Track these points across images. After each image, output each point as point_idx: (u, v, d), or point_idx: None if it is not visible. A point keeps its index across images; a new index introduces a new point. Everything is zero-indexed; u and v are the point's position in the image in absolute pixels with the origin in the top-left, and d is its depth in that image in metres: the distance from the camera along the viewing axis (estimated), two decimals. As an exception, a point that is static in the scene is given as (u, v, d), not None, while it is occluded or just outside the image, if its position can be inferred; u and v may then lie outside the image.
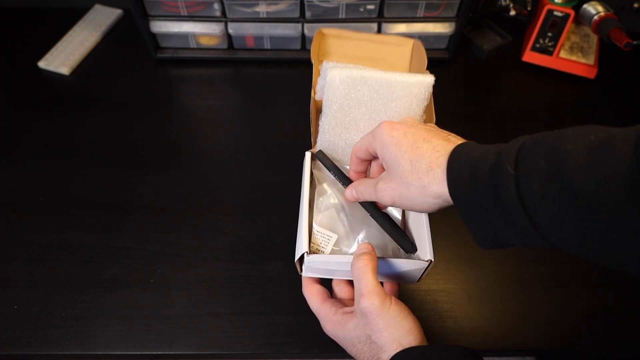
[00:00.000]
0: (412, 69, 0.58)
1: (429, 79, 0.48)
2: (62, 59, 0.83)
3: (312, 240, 0.48)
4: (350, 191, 0.47)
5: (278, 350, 0.54)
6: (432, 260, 0.44)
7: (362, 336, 0.40)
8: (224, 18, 0.79)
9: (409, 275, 0.47)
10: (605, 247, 0.29)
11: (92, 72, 0.83)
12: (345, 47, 0.59)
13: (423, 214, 0.48)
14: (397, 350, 0.38)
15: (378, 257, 0.44)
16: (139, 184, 0.67)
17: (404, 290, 0.58)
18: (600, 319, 0.56)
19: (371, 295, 0.39)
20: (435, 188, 0.36)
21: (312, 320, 0.55)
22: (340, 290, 0.48)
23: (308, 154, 0.53)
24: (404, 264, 0.45)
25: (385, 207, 0.50)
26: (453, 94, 0.81)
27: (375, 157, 0.45)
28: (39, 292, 0.57)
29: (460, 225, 0.68)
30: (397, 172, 0.39)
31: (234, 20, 0.79)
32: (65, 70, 0.81)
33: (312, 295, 0.46)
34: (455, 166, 0.35)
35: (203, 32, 0.80)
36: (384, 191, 0.40)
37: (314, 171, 0.54)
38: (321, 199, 0.52)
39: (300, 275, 0.49)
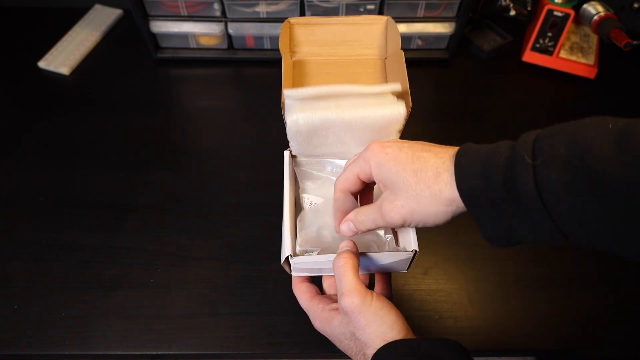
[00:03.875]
0: (388, 48, 0.57)
1: (399, 112, 0.45)
2: (62, 59, 0.83)
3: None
4: (347, 225, 0.42)
5: (278, 350, 0.54)
6: (417, 250, 0.44)
7: (347, 333, 0.41)
8: (224, 18, 0.79)
9: (397, 266, 0.46)
10: (628, 236, 0.28)
11: (92, 72, 0.83)
12: (316, 34, 0.57)
13: None
14: (381, 345, 0.38)
15: (361, 253, 0.44)
16: (139, 184, 0.67)
17: (404, 291, 0.58)
18: (600, 319, 0.56)
19: (351, 294, 0.39)
20: (447, 194, 0.34)
21: (312, 320, 0.55)
22: (329, 286, 0.49)
23: (287, 153, 0.52)
24: (388, 257, 0.44)
25: (394, 229, 0.48)
26: (453, 94, 0.81)
27: (365, 186, 0.42)
28: (39, 292, 0.57)
29: (460, 225, 0.68)
30: (402, 187, 0.36)
31: (234, 20, 0.79)
32: (65, 70, 0.81)
33: (301, 293, 0.47)
34: (464, 164, 0.34)
35: (203, 32, 0.80)
36: (393, 211, 0.37)
37: (295, 169, 0.53)
38: (301, 217, 0.51)
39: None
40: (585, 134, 0.29)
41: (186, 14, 0.78)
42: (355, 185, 0.41)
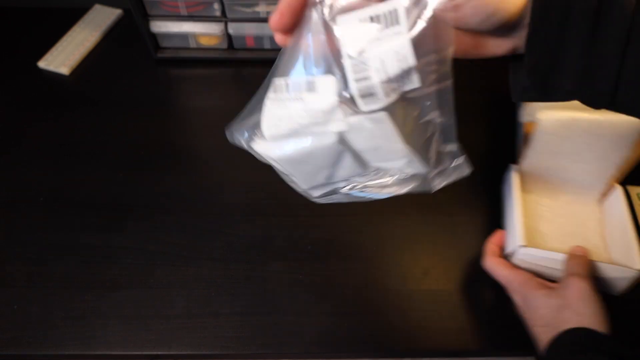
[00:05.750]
0: None
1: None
2: (62, 59, 0.83)
3: None
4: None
5: (278, 350, 0.54)
6: None
7: (554, 304, 0.46)
8: (224, 18, 0.79)
9: (612, 283, 0.50)
10: None
11: (92, 72, 0.83)
12: None
13: (627, 221, 0.51)
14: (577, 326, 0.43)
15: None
16: (139, 184, 0.67)
17: (404, 291, 0.58)
18: (600, 319, 0.56)
19: (584, 278, 0.45)
20: None
21: (312, 321, 0.55)
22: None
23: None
24: (608, 270, 0.48)
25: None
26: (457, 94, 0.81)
27: None
28: (39, 292, 0.57)
29: (460, 225, 0.68)
30: None
31: (234, 20, 0.79)
32: (65, 70, 0.81)
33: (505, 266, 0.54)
34: None
35: (203, 32, 0.80)
36: None
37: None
38: None
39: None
40: None
41: (186, 14, 0.78)
42: None
